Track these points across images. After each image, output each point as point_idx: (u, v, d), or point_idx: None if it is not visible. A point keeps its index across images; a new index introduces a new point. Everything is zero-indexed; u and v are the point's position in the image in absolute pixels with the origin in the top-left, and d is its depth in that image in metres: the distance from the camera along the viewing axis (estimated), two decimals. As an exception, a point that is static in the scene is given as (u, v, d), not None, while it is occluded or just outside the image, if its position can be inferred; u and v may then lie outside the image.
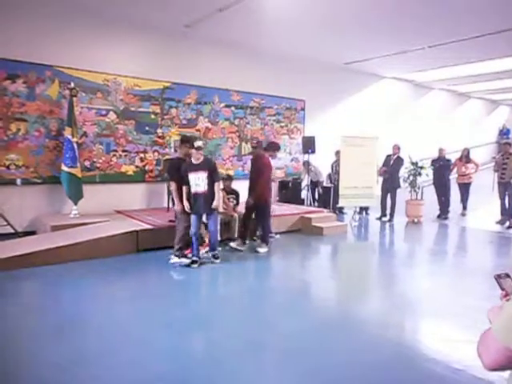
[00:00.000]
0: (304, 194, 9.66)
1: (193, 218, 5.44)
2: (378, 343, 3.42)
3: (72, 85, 6.86)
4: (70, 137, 6.68)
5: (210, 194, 5.37)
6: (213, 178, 5.38)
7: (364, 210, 10.02)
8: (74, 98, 6.87)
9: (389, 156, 9.27)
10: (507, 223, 8.70)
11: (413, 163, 9.35)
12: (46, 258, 5.23)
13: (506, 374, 1.11)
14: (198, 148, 5.36)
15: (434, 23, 7.51)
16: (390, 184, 9.10)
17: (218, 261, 5.62)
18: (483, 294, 4.29)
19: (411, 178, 9.27)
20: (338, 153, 9.80)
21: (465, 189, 9.92)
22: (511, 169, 8.55)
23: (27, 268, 5.03)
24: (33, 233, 6.58)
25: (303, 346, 3.36)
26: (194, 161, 5.39)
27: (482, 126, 17.64)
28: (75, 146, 6.73)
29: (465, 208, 10.08)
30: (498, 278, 1.20)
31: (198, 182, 5.35)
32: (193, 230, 5.45)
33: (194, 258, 5.48)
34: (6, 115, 6.55)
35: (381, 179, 9.27)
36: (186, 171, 5.40)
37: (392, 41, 8.74)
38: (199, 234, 5.59)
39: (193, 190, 5.39)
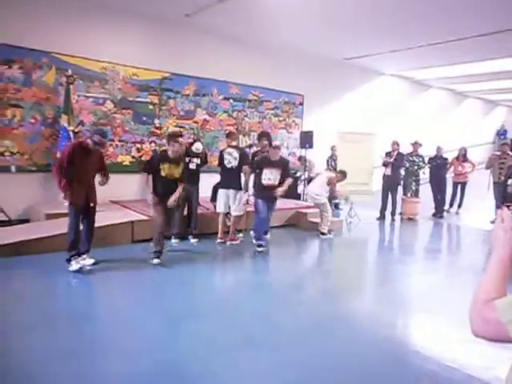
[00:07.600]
0: (301, 188, 9.63)
1: None
2: (371, 340, 3.42)
3: (69, 72, 6.77)
4: (66, 125, 6.60)
5: None
6: None
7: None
8: (71, 86, 6.77)
9: (388, 153, 9.15)
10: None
11: (417, 157, 9.30)
12: (39, 246, 5.18)
13: (503, 374, 1.08)
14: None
15: (435, 21, 7.46)
16: (392, 182, 8.99)
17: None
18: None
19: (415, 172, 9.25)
20: (333, 148, 9.78)
21: (461, 188, 9.97)
22: (508, 169, 8.55)
23: (20, 256, 4.98)
24: (27, 221, 6.51)
25: (295, 341, 3.35)
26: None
27: (480, 126, 17.65)
28: (71, 134, 6.64)
29: (459, 206, 10.14)
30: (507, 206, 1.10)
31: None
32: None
33: None
34: (2, 101, 6.44)
35: (380, 177, 9.21)
36: None
37: (393, 37, 8.68)
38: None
39: None
